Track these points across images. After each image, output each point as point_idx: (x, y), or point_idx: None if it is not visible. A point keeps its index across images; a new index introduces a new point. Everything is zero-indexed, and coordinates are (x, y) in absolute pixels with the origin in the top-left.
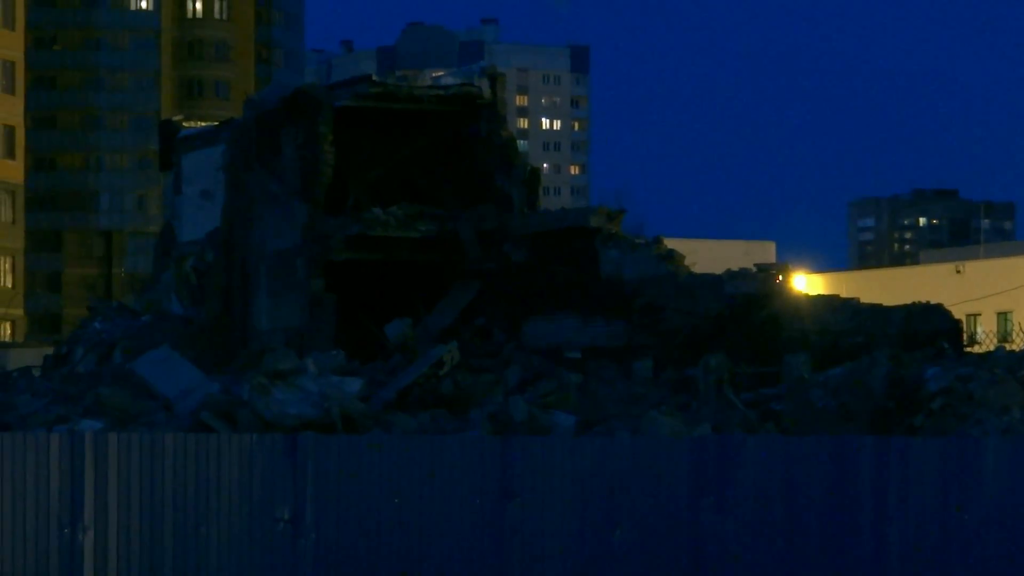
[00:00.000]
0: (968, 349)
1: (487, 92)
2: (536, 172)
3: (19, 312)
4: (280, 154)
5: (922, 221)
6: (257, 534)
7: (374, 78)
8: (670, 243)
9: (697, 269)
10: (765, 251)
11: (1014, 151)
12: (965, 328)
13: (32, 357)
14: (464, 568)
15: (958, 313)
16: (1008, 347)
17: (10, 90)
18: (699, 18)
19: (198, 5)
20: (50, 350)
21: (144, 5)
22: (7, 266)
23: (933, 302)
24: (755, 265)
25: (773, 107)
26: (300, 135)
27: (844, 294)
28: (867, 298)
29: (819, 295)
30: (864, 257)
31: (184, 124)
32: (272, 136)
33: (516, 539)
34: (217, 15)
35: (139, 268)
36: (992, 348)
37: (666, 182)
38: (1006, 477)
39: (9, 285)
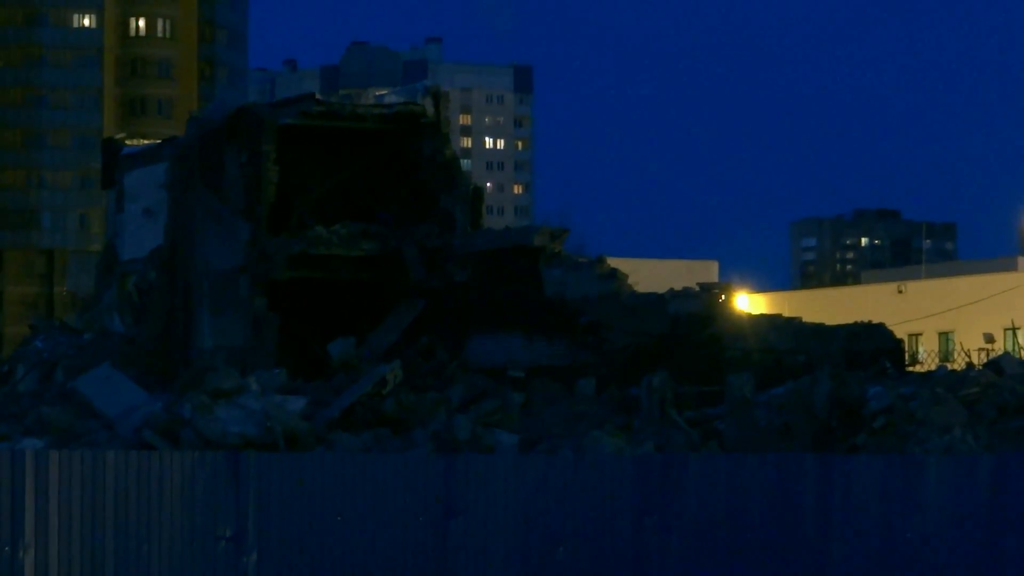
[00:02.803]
0: (910, 368)
1: (430, 111)
2: (479, 191)
3: None
4: (223, 172)
5: (864, 241)
6: (199, 552)
7: (317, 97)
8: (613, 262)
9: (640, 288)
10: (708, 271)
11: (956, 172)
12: (907, 348)
13: None
14: None
15: (900, 333)
16: (949, 367)
17: None
18: (641, 40)
19: (141, 23)
20: None
21: (87, 23)
22: None
23: (875, 322)
24: (698, 284)
25: (715, 127)
26: (243, 153)
27: (786, 313)
28: (809, 318)
29: (762, 314)
30: (806, 277)
31: (127, 142)
32: (215, 154)
33: (460, 556)
34: (160, 33)
35: (81, 287)
36: (933, 368)
37: (609, 202)
38: (947, 495)
39: None
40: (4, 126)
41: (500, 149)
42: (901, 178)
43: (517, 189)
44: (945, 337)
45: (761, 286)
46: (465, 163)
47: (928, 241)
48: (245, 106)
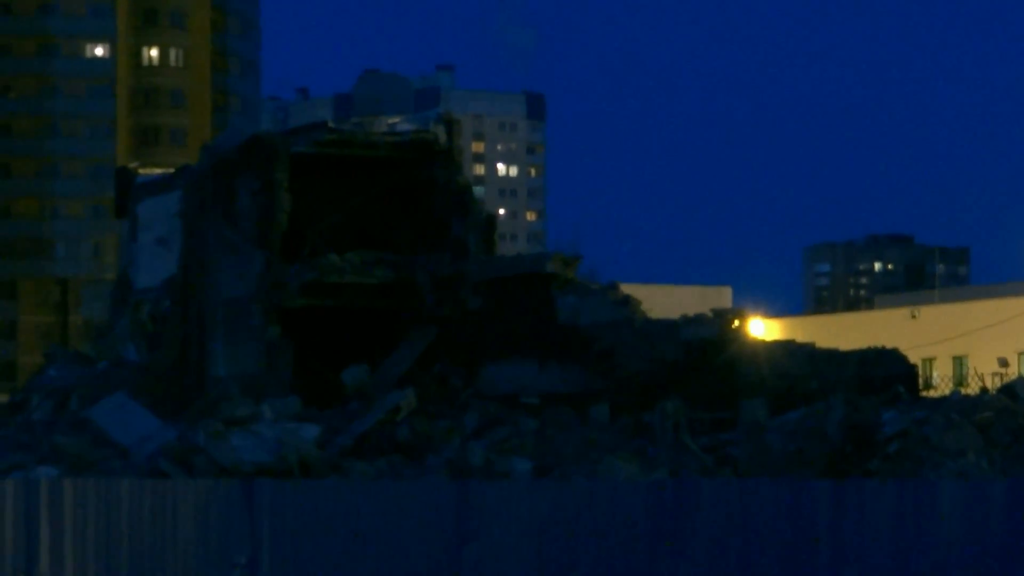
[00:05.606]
0: (923, 393)
1: (443, 138)
2: (492, 218)
3: None
4: (236, 201)
5: (877, 266)
6: None
7: (330, 125)
8: (626, 289)
9: (653, 314)
10: (721, 296)
11: (969, 197)
12: (920, 372)
13: None
14: None
15: (913, 358)
16: (963, 391)
17: None
18: (652, 65)
19: (154, 53)
20: (5, 398)
21: (100, 53)
22: None
23: (888, 347)
24: (711, 310)
25: (728, 152)
26: (256, 182)
27: (800, 339)
28: (823, 343)
29: (775, 340)
30: (820, 302)
31: (140, 171)
32: (228, 183)
33: None
34: (173, 63)
35: (95, 315)
36: (947, 392)
37: (622, 228)
38: (962, 521)
39: None
40: (18, 155)
41: (513, 176)
42: (914, 203)
43: (530, 216)
44: (959, 362)
45: (774, 311)
46: (478, 190)
47: (941, 266)
48: (258, 135)
